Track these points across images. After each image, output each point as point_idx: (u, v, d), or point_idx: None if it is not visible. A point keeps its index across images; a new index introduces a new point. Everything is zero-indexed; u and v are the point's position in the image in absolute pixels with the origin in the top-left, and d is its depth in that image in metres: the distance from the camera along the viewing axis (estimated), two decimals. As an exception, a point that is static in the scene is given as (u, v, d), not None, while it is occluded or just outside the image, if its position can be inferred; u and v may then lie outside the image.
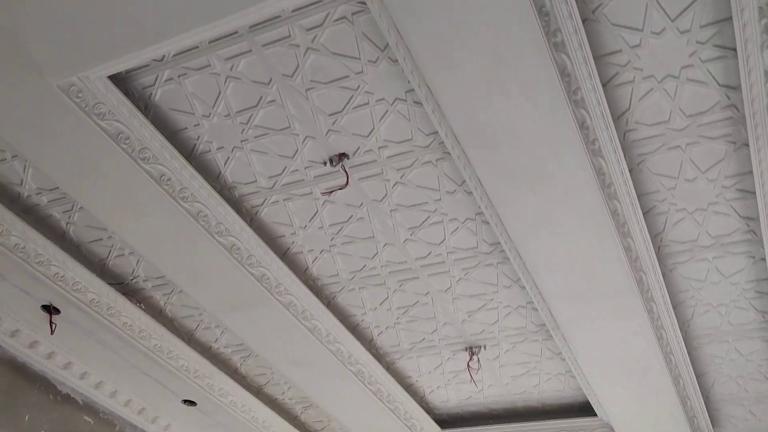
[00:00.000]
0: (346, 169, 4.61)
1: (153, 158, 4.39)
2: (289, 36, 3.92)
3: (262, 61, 4.05)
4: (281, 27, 3.88)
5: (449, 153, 4.36)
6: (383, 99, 4.17)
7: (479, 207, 4.68)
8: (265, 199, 4.95)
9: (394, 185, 4.73)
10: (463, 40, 3.41)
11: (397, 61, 3.92)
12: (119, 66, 3.88)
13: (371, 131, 4.37)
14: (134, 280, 5.69)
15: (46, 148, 4.27)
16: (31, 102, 3.98)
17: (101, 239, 5.31)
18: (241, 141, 4.53)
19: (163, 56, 4.02)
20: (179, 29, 3.55)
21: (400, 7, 3.33)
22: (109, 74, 3.98)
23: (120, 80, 4.17)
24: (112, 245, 5.36)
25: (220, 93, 4.24)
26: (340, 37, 3.88)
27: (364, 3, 3.67)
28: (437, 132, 4.21)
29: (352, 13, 3.76)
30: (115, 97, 4.10)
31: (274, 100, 4.26)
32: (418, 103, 4.11)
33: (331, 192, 4.67)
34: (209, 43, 3.98)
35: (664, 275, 4.71)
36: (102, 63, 3.81)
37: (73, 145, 4.20)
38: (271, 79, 4.14)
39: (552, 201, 4.13)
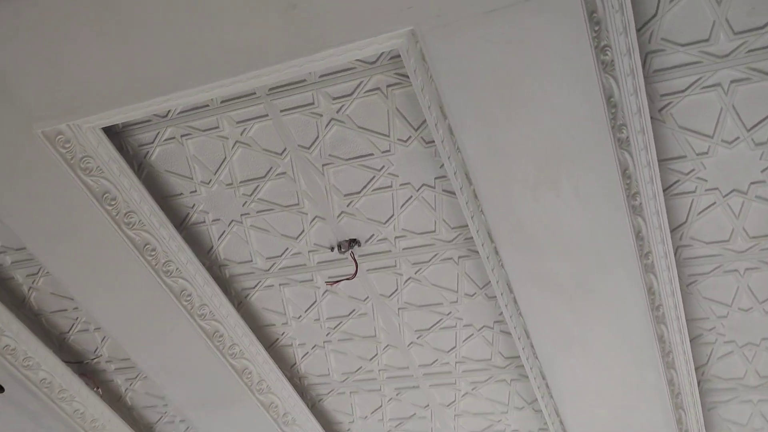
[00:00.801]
0: (356, 258, 4.06)
1: (138, 223, 3.83)
2: (313, 103, 3.47)
3: (278, 128, 3.58)
4: (305, 93, 3.44)
5: (476, 251, 3.85)
6: (408, 183, 3.70)
7: (501, 314, 4.13)
8: (259, 281, 4.37)
9: (407, 281, 4.18)
10: (518, 124, 2.97)
11: (432, 142, 3.47)
12: (117, 117, 3.39)
13: (390, 218, 3.87)
14: (95, 360, 5.00)
15: (18, 201, 3.71)
16: (9, 147, 3.45)
17: (65, 310, 4.67)
18: (241, 215, 4.00)
19: (168, 112, 3.55)
20: (194, 81, 3.09)
21: (451, 83, 2.91)
22: (104, 125, 3.48)
23: (114, 134, 3.67)
24: (77, 318, 4.71)
25: (225, 158, 3.74)
26: (369, 110, 3.44)
27: (405, 76, 3.25)
28: (466, 226, 3.72)
29: (388, 86, 3.33)
30: (106, 151, 3.59)
31: (284, 173, 3.76)
32: (449, 192, 3.64)
33: (337, 281, 4.11)
34: (222, 102, 3.53)
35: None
36: (98, 112, 3.33)
37: (51, 200, 3.65)
38: (285, 149, 3.66)
39: (591, 317, 3.60)
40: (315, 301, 4.42)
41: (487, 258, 3.70)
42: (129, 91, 3.18)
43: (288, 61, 2.99)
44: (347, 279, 4.05)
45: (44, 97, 3.28)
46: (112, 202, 3.69)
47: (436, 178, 3.64)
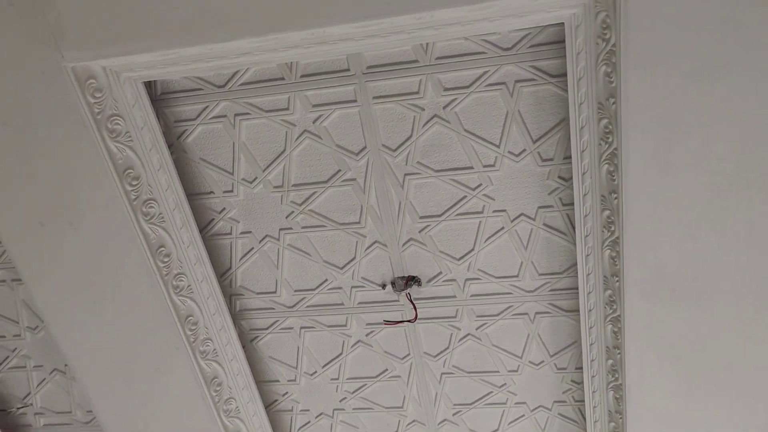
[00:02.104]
0: (413, 300, 3.32)
1: (158, 217, 3.02)
2: (417, 92, 2.85)
3: (364, 119, 2.93)
4: (412, 77, 2.86)
5: (559, 307, 3.21)
6: (504, 210, 3.09)
7: (567, 392, 3.43)
8: (276, 321, 3.57)
9: (464, 338, 3.45)
10: (703, 135, 2.43)
11: (549, 160, 2.90)
12: (170, 70, 2.68)
13: (468, 253, 3.21)
14: (21, 410, 3.88)
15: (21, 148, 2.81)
16: (30, 78, 2.61)
17: (2, 337, 3.61)
18: (281, 229, 3.26)
19: (230, 79, 2.84)
20: (299, 21, 2.40)
21: (640, 74, 2.35)
22: (149, 78, 2.73)
23: (152, 100, 2.90)
24: (15, 349, 3.64)
25: (284, 152, 3.06)
26: (484, 111, 2.86)
27: (542, 71, 2.69)
28: (557, 273, 3.10)
29: (517, 81, 2.76)
30: (142, 114, 2.84)
31: (354, 179, 3.11)
32: (549, 227, 3.03)
33: (397, 323, 3.33)
34: (303, 76, 2.84)
35: None
36: (150, 51, 2.55)
37: (59, 160, 2.77)
38: (363, 148, 3.02)
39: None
40: (340, 354, 3.58)
41: (589, 311, 3.04)
42: (200, 25, 2.46)
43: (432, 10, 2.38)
44: (408, 321, 3.27)
45: (86, 21, 2.51)
46: (134, 183, 2.85)
47: (539, 208, 3.02)
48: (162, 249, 3.03)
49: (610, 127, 2.47)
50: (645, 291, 2.74)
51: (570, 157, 2.88)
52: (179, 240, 3.06)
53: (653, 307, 2.74)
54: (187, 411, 3.40)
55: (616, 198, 2.59)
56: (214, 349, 3.39)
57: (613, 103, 2.40)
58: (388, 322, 3.32)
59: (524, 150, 2.90)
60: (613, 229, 2.70)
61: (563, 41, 2.61)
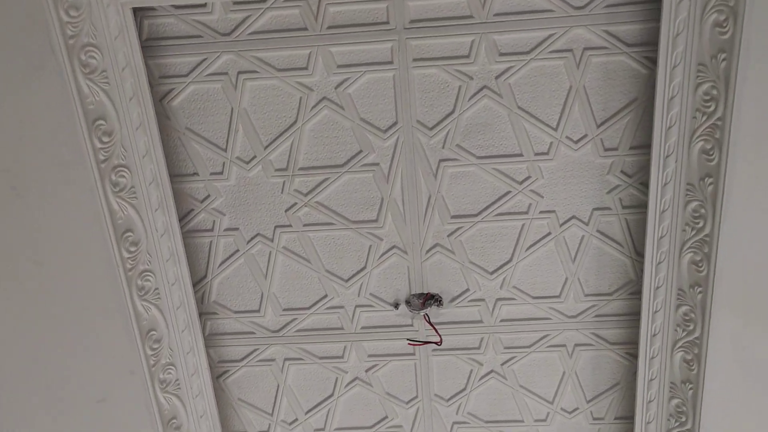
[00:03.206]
0: (432, 323, 2.73)
1: (129, 191, 2.37)
2: (468, 56, 2.39)
3: (399, 87, 2.45)
4: (463, 36, 2.41)
5: (604, 339, 2.70)
6: (552, 211, 2.62)
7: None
8: (255, 350, 2.90)
9: (485, 375, 2.85)
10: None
11: (613, 149, 2.47)
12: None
13: (504, 264, 2.68)
14: None
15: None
16: None
17: None
18: (277, 226, 2.66)
19: (239, 25, 2.29)
20: None
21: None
22: (141, 4, 2.16)
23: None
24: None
25: (294, 124, 2.49)
26: (543, 83, 2.45)
27: (617, 38, 2.30)
28: (606, 294, 2.59)
29: (586, 48, 2.35)
30: (126, 49, 2.24)
31: (377, 164, 2.56)
32: (604, 235, 2.56)
33: (422, 343, 2.70)
34: (330, 27, 2.34)
35: None
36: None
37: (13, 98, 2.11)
38: (394, 124, 2.50)
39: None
40: (330, 396, 2.90)
41: (653, 336, 2.52)
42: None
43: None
44: (435, 343, 2.65)
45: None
46: (105, 139, 2.20)
47: (594, 210, 2.54)
48: (129, 234, 2.34)
49: (715, 92, 2.05)
50: (737, 305, 2.25)
51: (637, 148, 2.45)
52: (152, 225, 2.39)
53: (748, 327, 2.25)
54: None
55: (711, 184, 2.14)
56: (177, 380, 2.64)
57: (724, 59, 1.99)
58: (412, 342, 2.67)
59: (585, 136, 2.45)
60: (701, 225, 2.24)
61: (644, 2, 2.23)
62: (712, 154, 2.13)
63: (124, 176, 2.30)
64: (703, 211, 2.21)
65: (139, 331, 2.44)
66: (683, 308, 2.40)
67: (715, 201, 2.16)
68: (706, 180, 2.18)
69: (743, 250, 2.21)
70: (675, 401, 2.53)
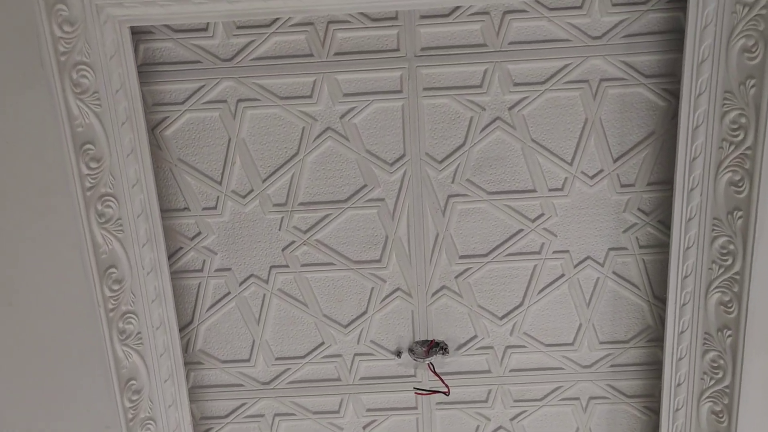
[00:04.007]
0: (437, 372, 2.53)
1: (115, 223, 2.17)
2: (480, 86, 2.29)
3: (407, 117, 2.34)
4: (478, 65, 2.32)
5: (619, 391, 2.53)
6: (566, 251, 2.51)
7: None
8: (243, 404, 2.65)
9: (494, 433, 2.64)
10: None
11: (630, 185, 2.35)
12: (177, 14, 1.96)
13: (514, 309, 2.52)
14: None
15: None
16: None
17: None
18: (273, 266, 2.48)
19: (241, 51, 2.19)
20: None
21: None
22: (140, 23, 2.04)
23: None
24: None
25: (296, 155, 2.33)
26: (555, 116, 2.34)
27: (637, 70, 2.23)
28: (622, 342, 2.44)
29: (603, 80, 2.27)
30: (120, 69, 2.09)
31: (382, 199, 2.42)
32: (621, 278, 2.45)
33: (429, 393, 2.48)
34: (337, 54, 2.24)
35: None
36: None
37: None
38: (402, 156, 2.38)
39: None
40: (323, 459, 2.64)
41: (677, 387, 2.36)
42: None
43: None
44: (443, 393, 2.44)
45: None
46: (93, 165, 2.03)
47: (610, 250, 2.42)
48: (113, 271, 2.13)
49: (743, 120, 1.97)
50: (769, 346, 2.11)
51: (655, 184, 2.35)
52: (138, 262, 2.18)
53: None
54: None
55: (741, 217, 2.03)
56: (154, 429, 2.37)
57: (753, 85, 1.92)
58: (419, 391, 2.46)
59: (601, 171, 2.34)
60: (729, 262, 2.11)
61: (663, 32, 2.17)
62: (741, 186, 2.03)
63: (110, 206, 2.10)
64: (732, 247, 2.09)
65: (117, 379, 2.19)
66: (711, 354, 2.24)
67: (746, 235, 2.04)
68: (735, 213, 2.06)
69: (777, 288, 2.08)
70: (702, 458, 2.34)
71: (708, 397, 2.29)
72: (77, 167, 2.00)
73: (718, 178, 2.10)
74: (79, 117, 1.98)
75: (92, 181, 2.04)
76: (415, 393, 2.48)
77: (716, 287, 2.17)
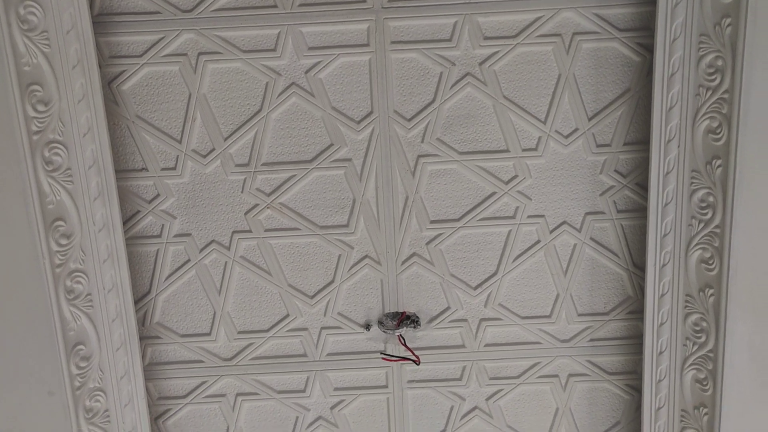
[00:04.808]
0: (408, 345, 2.40)
1: (65, 172, 2.04)
2: (449, 39, 2.23)
3: (375, 72, 2.27)
4: (447, 17, 2.23)
5: (604, 371, 2.40)
6: (541, 216, 2.41)
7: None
8: (203, 383, 2.50)
9: (468, 414, 2.52)
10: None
11: (606, 146, 2.27)
12: None
13: (489, 278, 2.40)
14: None
15: None
16: None
17: None
18: (235, 231, 2.35)
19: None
20: None
21: None
22: None
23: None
24: None
25: (259, 112, 2.24)
26: (529, 71, 2.26)
27: (608, 21, 2.17)
28: (601, 314, 2.33)
29: (576, 33, 2.20)
30: (73, 11, 1.98)
31: (349, 159, 2.32)
32: (598, 244, 2.32)
33: (398, 359, 2.35)
34: (301, 4, 2.16)
35: None
36: None
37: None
38: (369, 113, 2.28)
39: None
40: (282, 449, 2.49)
41: (659, 355, 2.24)
42: None
43: None
44: (413, 362, 2.31)
45: None
46: (41, 109, 1.93)
47: (587, 214, 2.32)
48: (60, 224, 2.01)
49: (720, 62, 1.89)
50: (756, 305, 2.00)
51: (632, 144, 2.27)
52: (89, 217, 2.07)
53: None
54: None
55: (720, 167, 1.94)
56: (106, 410, 2.23)
57: (728, 24, 1.85)
58: (386, 357, 2.32)
59: (576, 130, 2.26)
60: (709, 215, 2.02)
61: (637, -17, 2.12)
62: (719, 133, 1.94)
63: (59, 154, 2.00)
64: (711, 199, 2.00)
65: (64, 342, 2.05)
66: (693, 316, 2.13)
67: (726, 185, 1.95)
68: (713, 163, 1.98)
69: (760, 240, 1.98)
70: (688, 432, 2.20)
71: (691, 364, 2.16)
72: (22, 108, 1.90)
73: (695, 127, 2.01)
74: (25, 55, 1.89)
75: (39, 125, 1.94)
76: (383, 359, 2.34)
77: (697, 243, 2.07)
